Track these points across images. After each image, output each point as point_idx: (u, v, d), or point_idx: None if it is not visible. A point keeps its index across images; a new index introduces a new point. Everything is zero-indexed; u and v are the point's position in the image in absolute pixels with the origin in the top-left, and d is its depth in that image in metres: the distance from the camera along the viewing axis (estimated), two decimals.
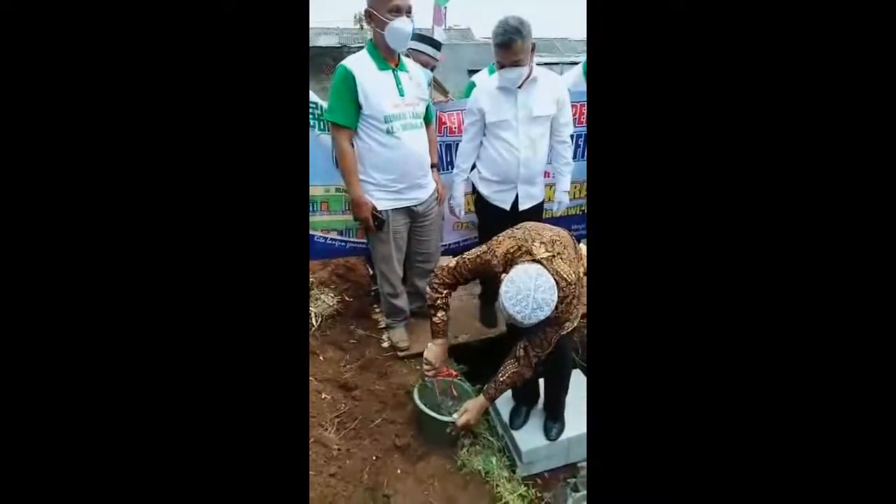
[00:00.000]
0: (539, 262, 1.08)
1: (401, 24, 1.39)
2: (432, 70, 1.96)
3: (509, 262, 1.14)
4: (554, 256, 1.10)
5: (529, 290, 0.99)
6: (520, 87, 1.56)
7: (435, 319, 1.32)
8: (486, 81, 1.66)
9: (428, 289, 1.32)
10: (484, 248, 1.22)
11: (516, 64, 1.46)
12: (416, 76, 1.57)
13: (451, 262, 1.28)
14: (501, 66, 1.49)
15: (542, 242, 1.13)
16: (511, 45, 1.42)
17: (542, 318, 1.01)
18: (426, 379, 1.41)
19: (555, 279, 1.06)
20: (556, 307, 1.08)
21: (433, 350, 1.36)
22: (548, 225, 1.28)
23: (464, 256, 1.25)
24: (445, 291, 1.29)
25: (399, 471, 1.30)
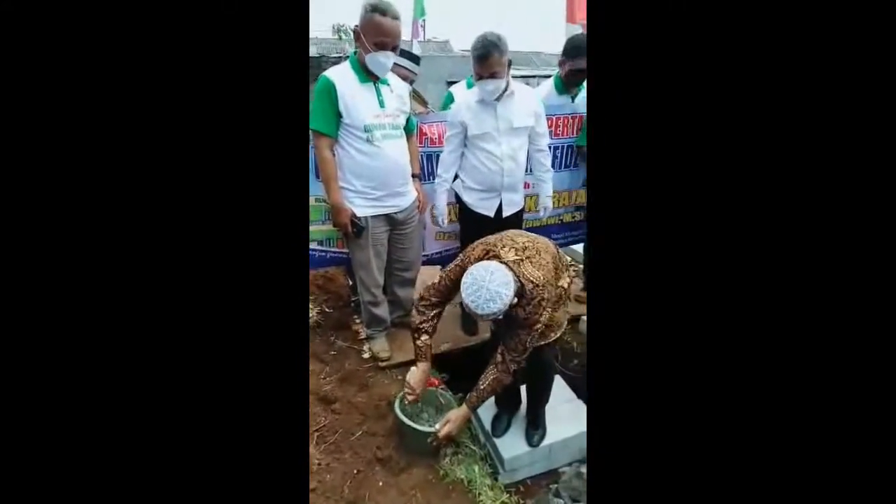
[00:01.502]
0: (505, 263, 1.13)
1: (382, 59, 1.44)
2: (411, 84, 1.99)
3: None
4: (522, 260, 1.14)
5: (484, 282, 1.04)
6: (498, 101, 1.62)
7: (418, 343, 1.32)
8: (466, 95, 1.71)
9: (414, 311, 1.32)
10: (461, 256, 1.25)
11: (494, 76, 1.52)
12: (397, 89, 1.60)
13: (435, 279, 1.29)
14: (480, 78, 1.55)
15: (512, 248, 1.17)
16: (489, 57, 1.48)
17: (496, 309, 1.04)
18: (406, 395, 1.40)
19: (521, 280, 1.11)
20: (524, 308, 1.12)
21: (415, 374, 1.36)
22: (526, 232, 1.32)
23: (445, 270, 1.28)
24: (433, 313, 1.30)
25: (381, 483, 1.28)
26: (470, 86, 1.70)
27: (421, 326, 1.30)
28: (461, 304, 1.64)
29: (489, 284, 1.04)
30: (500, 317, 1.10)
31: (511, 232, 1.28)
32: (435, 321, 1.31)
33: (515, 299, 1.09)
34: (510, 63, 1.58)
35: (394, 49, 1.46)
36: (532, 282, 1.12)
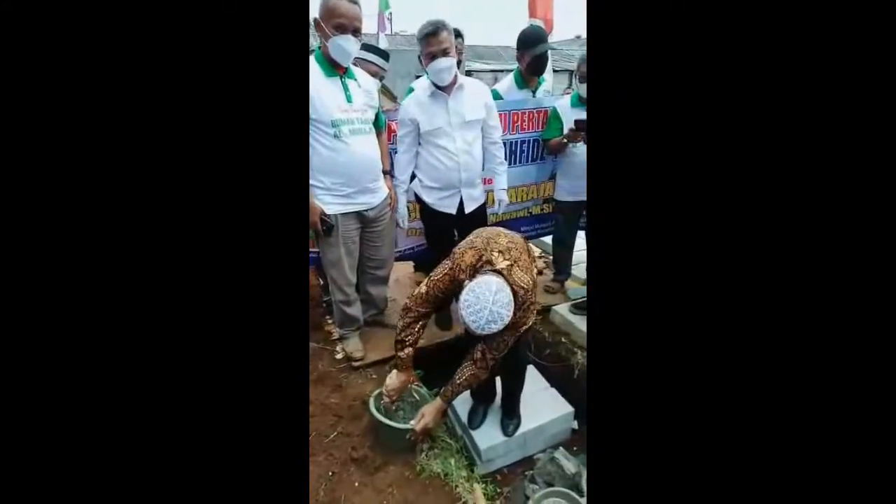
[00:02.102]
0: (500, 272, 1.11)
1: (343, 42, 1.39)
2: (381, 80, 1.96)
3: (474, 274, 1.15)
4: (512, 265, 1.14)
5: (487, 303, 1.01)
6: (448, 93, 1.61)
7: (401, 355, 1.30)
8: (415, 91, 1.70)
9: (399, 323, 1.28)
10: (449, 264, 1.21)
11: (446, 52, 1.51)
12: (364, 84, 1.57)
13: (421, 288, 1.25)
14: (432, 58, 1.53)
15: (500, 251, 1.16)
16: (438, 33, 1.49)
17: (497, 329, 1.03)
18: (384, 399, 1.40)
19: (513, 289, 1.09)
20: (515, 314, 1.11)
21: (394, 382, 1.35)
22: (500, 229, 1.32)
23: (433, 278, 1.23)
24: (419, 325, 1.26)
25: (357, 483, 1.27)
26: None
27: (405, 339, 1.27)
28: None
29: (492, 306, 1.01)
30: None
31: (488, 232, 1.27)
32: (420, 333, 1.28)
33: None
34: (461, 52, 1.59)
35: (355, 33, 1.41)
36: (523, 288, 1.12)
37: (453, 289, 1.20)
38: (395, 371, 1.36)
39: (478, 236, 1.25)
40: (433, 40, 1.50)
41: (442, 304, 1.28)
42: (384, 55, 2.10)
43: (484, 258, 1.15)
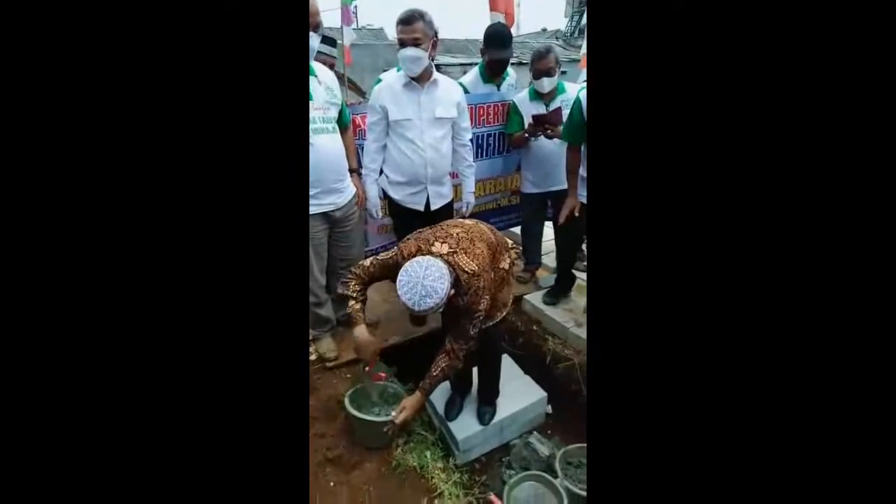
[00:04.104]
0: (438, 257, 1.14)
1: None
2: (331, 68, 1.93)
3: None
4: (456, 252, 1.16)
5: (419, 278, 1.05)
6: (421, 86, 1.60)
7: (349, 310, 1.30)
8: (390, 79, 1.68)
9: (339, 283, 1.30)
10: (395, 250, 1.25)
11: (416, 43, 1.50)
12: (325, 80, 1.53)
13: (366, 261, 1.29)
14: (402, 45, 1.51)
15: (444, 241, 1.19)
16: (411, 21, 1.47)
17: (433, 304, 1.06)
18: (365, 370, 1.39)
19: (456, 272, 1.13)
20: (462, 297, 1.14)
21: (358, 338, 1.33)
22: (460, 220, 1.34)
23: (378, 257, 1.28)
24: (355, 284, 1.28)
25: (332, 483, 1.27)
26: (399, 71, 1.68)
27: (347, 294, 1.28)
28: None
29: (424, 280, 1.05)
30: (440, 309, 1.11)
31: (447, 223, 1.30)
32: (361, 293, 1.29)
33: (453, 290, 1.10)
34: (435, 44, 1.57)
35: (314, 29, 1.39)
36: (466, 272, 1.14)
37: (391, 273, 1.23)
38: (354, 329, 1.34)
39: (429, 227, 1.28)
40: (405, 28, 1.48)
41: (377, 279, 1.32)
42: (332, 42, 2.06)
43: (423, 248, 1.19)
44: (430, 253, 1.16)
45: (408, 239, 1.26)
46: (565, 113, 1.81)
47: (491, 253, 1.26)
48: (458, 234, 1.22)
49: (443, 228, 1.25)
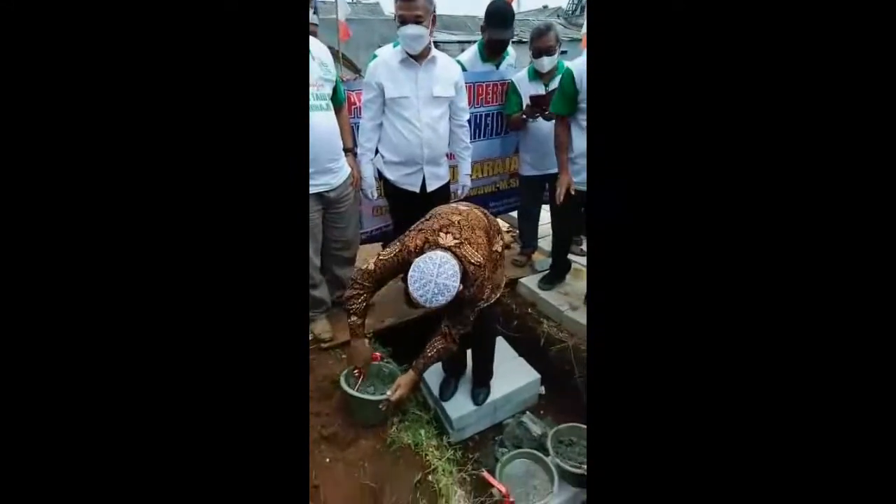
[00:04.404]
0: (448, 249, 1.13)
1: None
2: (314, 36, 1.87)
3: (421, 254, 1.15)
4: (462, 243, 1.15)
5: (432, 276, 1.04)
6: (419, 63, 1.56)
7: (349, 322, 1.33)
8: (386, 55, 1.63)
9: (346, 293, 1.31)
10: (398, 246, 1.23)
11: (418, 20, 1.45)
12: (319, 55, 1.48)
13: (369, 265, 1.26)
14: (402, 22, 1.47)
15: (448, 231, 1.17)
16: None
17: (444, 302, 1.05)
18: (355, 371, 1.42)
19: (463, 265, 1.11)
20: (469, 289, 1.14)
21: (353, 352, 1.38)
22: (457, 206, 1.33)
23: (381, 257, 1.25)
24: (363, 297, 1.28)
25: (328, 460, 1.30)
26: (396, 46, 1.63)
27: (350, 308, 1.30)
28: (403, 278, 1.68)
29: (437, 278, 1.03)
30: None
31: (443, 210, 1.28)
32: (363, 304, 1.29)
33: (461, 285, 1.08)
34: (434, 20, 1.52)
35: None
36: (473, 264, 1.13)
37: (399, 270, 1.22)
38: (352, 340, 1.38)
39: (429, 217, 1.26)
40: (406, 4, 1.43)
41: (386, 282, 1.31)
42: (313, 8, 1.98)
43: (431, 241, 1.17)
44: (438, 245, 1.14)
45: (410, 231, 1.24)
46: None
47: (487, 239, 1.26)
48: (458, 221, 1.20)
49: (443, 216, 1.23)
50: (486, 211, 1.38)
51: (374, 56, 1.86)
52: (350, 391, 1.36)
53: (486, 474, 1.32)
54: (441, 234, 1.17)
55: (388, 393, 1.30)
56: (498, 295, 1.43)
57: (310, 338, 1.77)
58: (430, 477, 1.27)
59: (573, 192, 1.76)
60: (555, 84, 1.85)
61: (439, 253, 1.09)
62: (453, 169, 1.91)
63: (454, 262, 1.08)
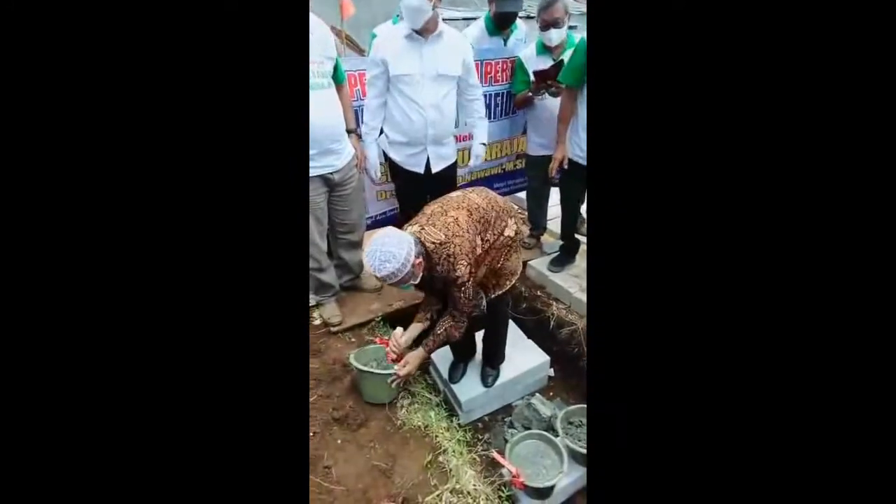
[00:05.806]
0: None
1: None
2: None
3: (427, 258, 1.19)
4: (423, 227, 1.20)
5: (378, 246, 1.12)
6: (425, 38, 1.50)
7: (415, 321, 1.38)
8: (391, 30, 1.58)
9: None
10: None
11: None
12: (316, 31, 1.43)
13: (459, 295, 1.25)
14: None
15: (416, 223, 1.24)
16: None
17: (394, 268, 1.10)
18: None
19: (423, 244, 1.17)
20: (438, 267, 1.17)
21: (397, 334, 1.37)
22: (444, 197, 1.31)
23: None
24: (420, 314, 1.36)
25: (339, 441, 1.31)
26: (396, 22, 1.57)
27: (420, 311, 1.38)
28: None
29: (381, 247, 1.11)
30: (413, 280, 1.14)
31: (430, 204, 1.29)
32: (427, 314, 1.36)
33: (420, 259, 1.14)
34: None
35: None
36: (433, 242, 1.17)
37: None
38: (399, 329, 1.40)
39: (413, 223, 1.28)
40: None
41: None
42: None
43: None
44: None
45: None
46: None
47: (476, 219, 1.24)
48: (432, 210, 1.25)
49: (423, 211, 1.28)
50: (495, 195, 1.34)
51: (374, 35, 1.79)
52: (360, 367, 1.37)
53: (496, 454, 1.32)
54: (408, 226, 1.23)
55: (397, 367, 1.31)
56: (513, 282, 1.41)
57: (319, 322, 1.78)
58: (440, 457, 1.28)
59: (565, 167, 1.72)
60: (563, 58, 1.78)
61: (390, 229, 1.17)
62: (461, 152, 1.86)
63: (405, 236, 1.14)
